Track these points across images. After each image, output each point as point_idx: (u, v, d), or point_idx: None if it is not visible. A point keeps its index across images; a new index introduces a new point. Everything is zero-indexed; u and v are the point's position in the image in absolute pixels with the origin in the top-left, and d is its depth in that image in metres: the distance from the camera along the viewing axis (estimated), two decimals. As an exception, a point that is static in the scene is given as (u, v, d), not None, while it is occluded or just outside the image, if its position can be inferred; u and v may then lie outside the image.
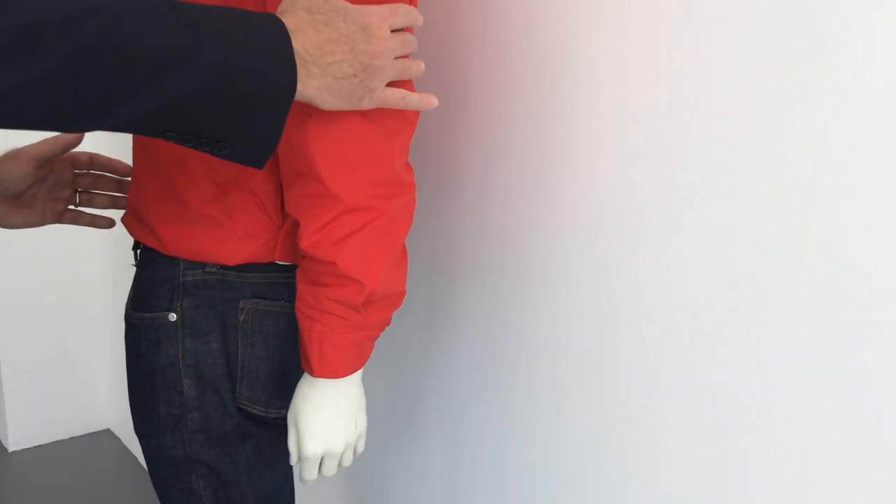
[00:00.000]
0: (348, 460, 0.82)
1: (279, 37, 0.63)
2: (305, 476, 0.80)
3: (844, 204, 0.64)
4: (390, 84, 0.72)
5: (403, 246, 0.82)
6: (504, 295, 0.96)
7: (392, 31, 0.70)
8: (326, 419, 0.77)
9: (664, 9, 0.74)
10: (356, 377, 0.80)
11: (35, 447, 2.22)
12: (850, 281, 0.64)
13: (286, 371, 0.83)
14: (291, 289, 0.79)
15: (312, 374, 0.76)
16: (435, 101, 0.75)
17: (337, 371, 0.76)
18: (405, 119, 0.76)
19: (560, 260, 0.89)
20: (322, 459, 0.79)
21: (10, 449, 2.20)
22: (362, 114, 0.72)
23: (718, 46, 0.71)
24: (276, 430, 0.86)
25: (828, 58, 0.63)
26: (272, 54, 0.63)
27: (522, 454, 0.96)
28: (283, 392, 0.83)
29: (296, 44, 0.63)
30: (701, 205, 0.74)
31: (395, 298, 0.81)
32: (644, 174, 0.79)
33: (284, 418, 0.83)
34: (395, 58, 0.71)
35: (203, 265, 0.80)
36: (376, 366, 0.93)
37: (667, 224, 0.77)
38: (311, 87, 0.65)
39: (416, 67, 0.74)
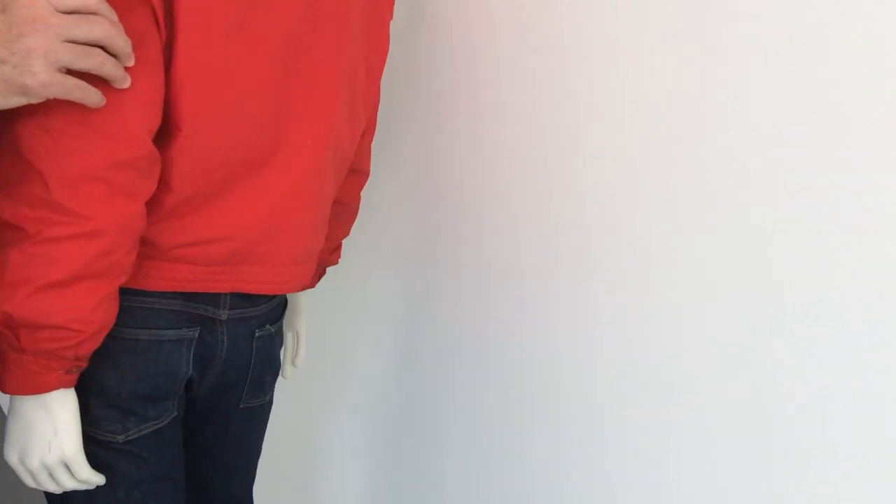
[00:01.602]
0: (62, 482, 0.78)
1: None
2: (26, 482, 0.79)
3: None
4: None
5: (87, 282, 0.71)
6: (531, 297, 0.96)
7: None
8: (15, 432, 0.76)
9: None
10: (53, 401, 0.75)
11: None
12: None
13: None
14: None
15: None
16: (127, 83, 0.66)
17: (7, 386, 0.73)
18: (93, 131, 0.67)
19: (578, 262, 0.89)
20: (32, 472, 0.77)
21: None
22: (27, 114, 0.65)
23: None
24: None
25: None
26: None
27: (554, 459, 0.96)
28: None
29: None
30: (739, 210, 0.73)
31: (55, 332, 0.71)
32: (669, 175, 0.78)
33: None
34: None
35: None
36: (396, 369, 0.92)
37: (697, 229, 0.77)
38: None
39: (114, 64, 0.65)
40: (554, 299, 0.92)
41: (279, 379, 1.13)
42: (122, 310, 0.80)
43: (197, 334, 0.86)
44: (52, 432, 0.76)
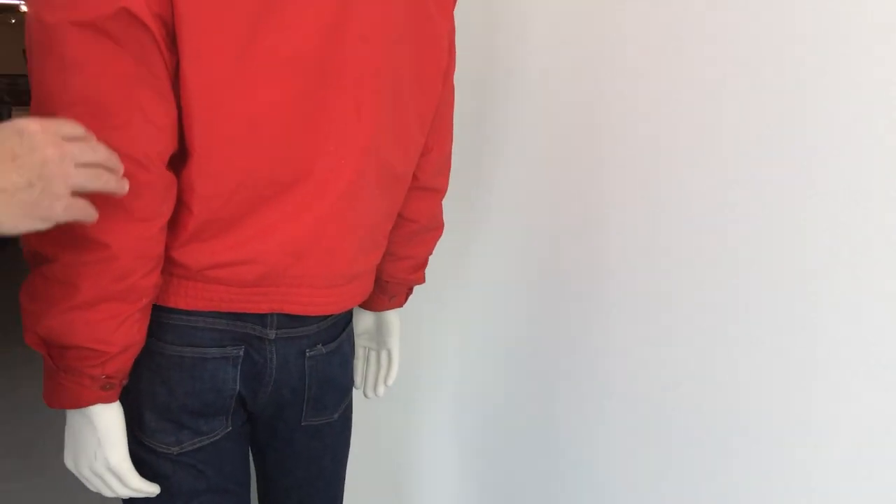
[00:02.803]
0: (115, 489, 0.84)
1: None
2: (86, 486, 0.85)
3: None
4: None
5: (107, 304, 0.74)
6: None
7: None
8: (69, 442, 0.83)
9: None
10: (94, 414, 0.80)
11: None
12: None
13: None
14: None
15: None
16: (125, 191, 0.69)
17: (47, 399, 0.79)
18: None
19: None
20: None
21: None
22: None
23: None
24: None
25: None
26: None
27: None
28: None
29: None
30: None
31: (79, 352, 0.75)
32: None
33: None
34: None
35: None
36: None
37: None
38: None
39: (116, 180, 0.67)
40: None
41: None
42: (168, 327, 0.84)
43: (242, 352, 0.88)
44: (97, 443, 0.82)
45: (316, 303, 0.89)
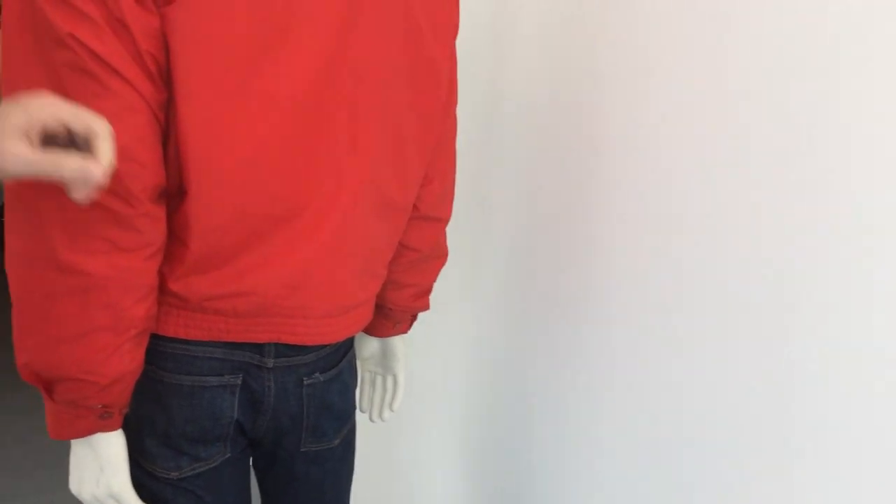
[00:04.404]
0: None
1: None
2: None
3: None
4: None
5: (95, 334, 0.75)
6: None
7: None
8: (73, 468, 0.85)
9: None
10: (96, 441, 0.83)
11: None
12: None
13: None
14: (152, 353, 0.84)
15: None
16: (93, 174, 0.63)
17: (50, 431, 0.81)
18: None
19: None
20: None
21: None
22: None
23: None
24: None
25: None
26: None
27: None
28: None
29: None
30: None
31: (73, 384, 0.76)
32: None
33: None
34: None
35: None
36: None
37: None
38: None
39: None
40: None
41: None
42: (166, 356, 0.86)
43: (240, 381, 0.89)
44: (99, 469, 0.84)
45: (312, 333, 0.90)
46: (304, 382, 0.94)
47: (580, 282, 1.01)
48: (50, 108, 0.63)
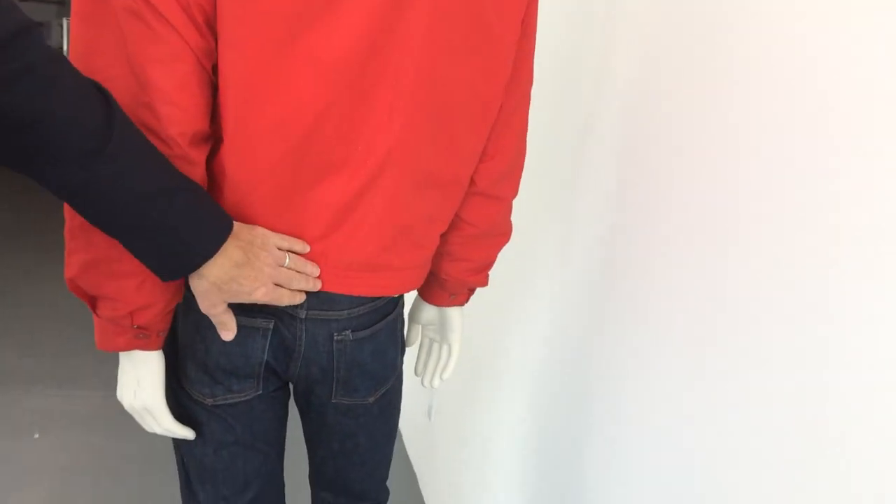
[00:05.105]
0: (150, 425, 0.96)
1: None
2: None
3: None
4: None
5: (111, 261, 0.82)
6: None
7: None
8: (119, 377, 0.93)
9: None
10: (136, 358, 0.91)
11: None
12: None
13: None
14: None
15: None
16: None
17: (97, 341, 0.88)
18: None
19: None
20: None
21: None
22: None
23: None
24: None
25: None
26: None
27: None
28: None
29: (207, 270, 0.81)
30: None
31: (108, 302, 0.84)
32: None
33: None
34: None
35: None
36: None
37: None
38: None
39: (307, 281, 0.90)
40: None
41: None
42: None
43: (272, 326, 0.94)
44: (136, 382, 0.92)
45: (333, 281, 0.92)
46: (335, 338, 0.98)
47: (664, 289, 0.95)
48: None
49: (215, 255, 0.80)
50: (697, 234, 0.89)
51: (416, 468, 2.35)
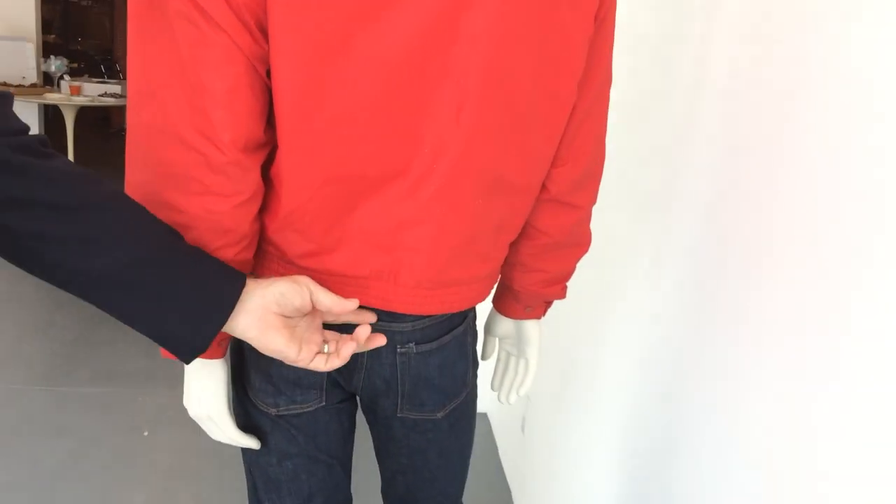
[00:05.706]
0: (214, 434, 0.96)
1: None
2: None
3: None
4: None
5: None
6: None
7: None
8: (185, 386, 0.93)
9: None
10: (202, 367, 0.91)
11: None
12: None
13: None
14: None
15: None
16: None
17: (162, 351, 0.83)
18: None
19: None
20: None
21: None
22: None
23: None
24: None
25: None
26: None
27: None
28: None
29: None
30: None
31: None
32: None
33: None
34: None
35: None
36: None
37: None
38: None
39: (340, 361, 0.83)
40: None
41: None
42: None
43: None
44: (201, 391, 0.93)
45: (402, 301, 0.89)
46: (398, 350, 0.94)
47: (771, 305, 0.86)
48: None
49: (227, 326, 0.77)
50: (809, 244, 0.79)
51: (510, 482, 2.29)
